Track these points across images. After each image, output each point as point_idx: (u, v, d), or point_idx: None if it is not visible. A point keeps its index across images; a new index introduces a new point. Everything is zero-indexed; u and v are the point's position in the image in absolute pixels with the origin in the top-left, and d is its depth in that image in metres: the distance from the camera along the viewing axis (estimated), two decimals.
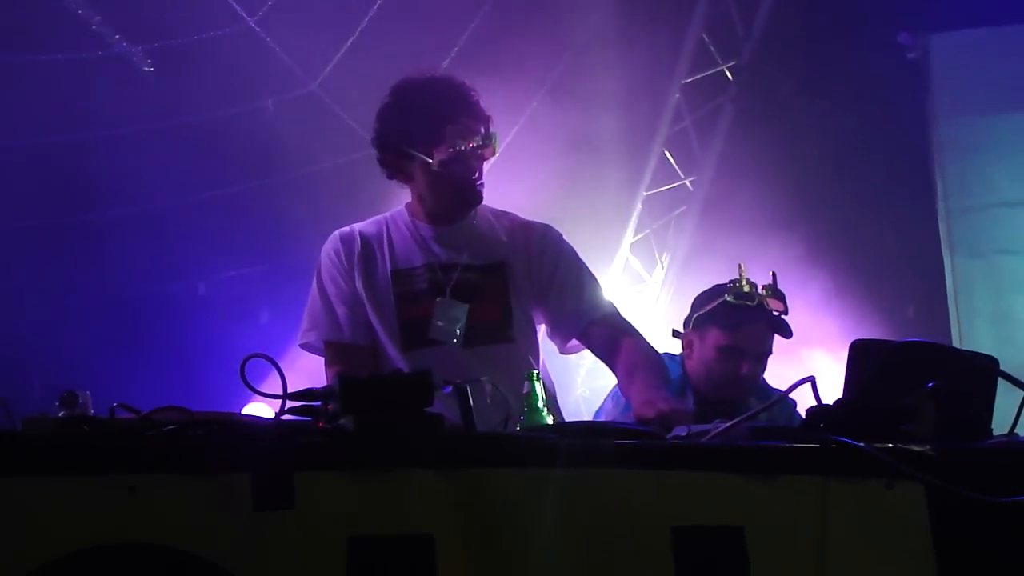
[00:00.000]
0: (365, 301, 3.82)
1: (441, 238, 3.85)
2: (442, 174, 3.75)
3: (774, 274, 4.50)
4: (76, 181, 7.96)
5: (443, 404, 2.66)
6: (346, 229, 3.92)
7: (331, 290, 3.85)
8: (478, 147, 3.75)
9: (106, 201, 8.07)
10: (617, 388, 4.41)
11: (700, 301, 4.64)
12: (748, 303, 4.43)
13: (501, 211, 3.94)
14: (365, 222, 3.95)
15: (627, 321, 3.92)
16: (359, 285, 3.82)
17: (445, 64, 7.92)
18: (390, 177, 3.91)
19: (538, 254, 3.88)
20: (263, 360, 2.59)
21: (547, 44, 7.89)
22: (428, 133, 3.75)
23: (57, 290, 8.02)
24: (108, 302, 8.03)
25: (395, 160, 3.84)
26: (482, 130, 3.76)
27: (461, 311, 3.76)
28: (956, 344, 8.09)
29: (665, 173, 9.58)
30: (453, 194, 3.81)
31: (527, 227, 3.94)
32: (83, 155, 7.91)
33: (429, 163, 3.74)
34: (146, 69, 8.05)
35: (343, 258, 3.85)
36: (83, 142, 7.93)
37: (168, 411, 2.39)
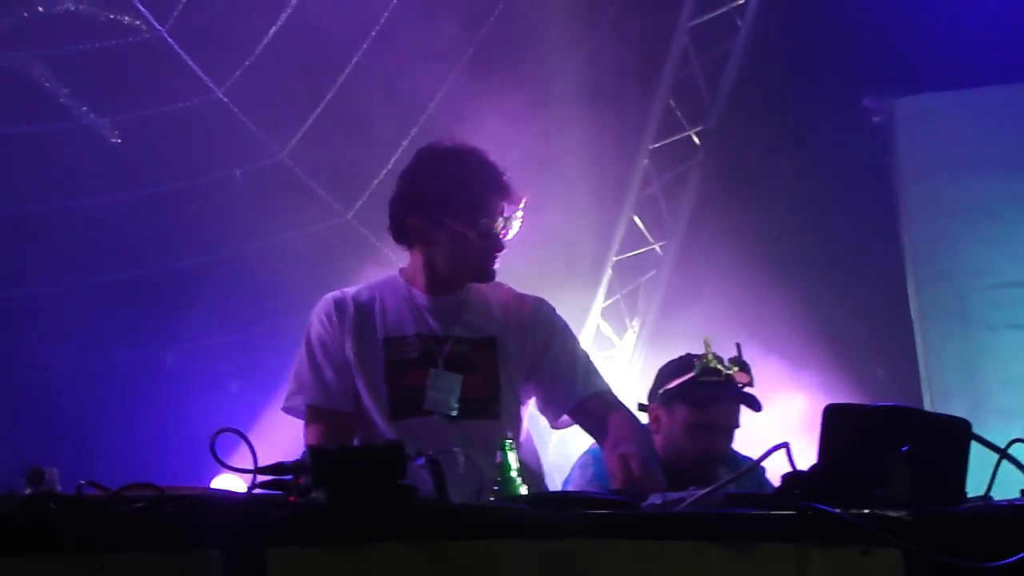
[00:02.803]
0: (354, 367, 3.79)
1: (436, 308, 3.83)
2: (472, 246, 3.73)
3: (739, 345, 4.49)
4: (39, 252, 7.92)
5: (417, 475, 2.64)
6: (338, 293, 3.88)
7: (320, 354, 3.82)
8: (508, 224, 3.75)
9: (71, 272, 8.04)
10: (585, 457, 4.40)
11: (666, 374, 4.61)
12: (716, 379, 4.41)
13: (495, 283, 3.91)
14: (357, 287, 3.92)
15: (618, 399, 3.91)
16: (349, 351, 3.80)
17: (414, 131, 7.96)
18: (398, 240, 3.87)
19: (532, 329, 3.87)
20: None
21: (515, 111, 7.93)
22: (473, 203, 3.72)
23: (20, 363, 7.95)
24: (73, 374, 7.96)
25: (420, 223, 3.78)
26: (514, 209, 3.76)
27: (455, 382, 3.75)
28: (927, 406, 8.10)
29: (634, 238, 9.61)
30: (472, 268, 3.80)
31: (520, 301, 3.93)
32: (49, 226, 7.88)
33: (462, 232, 3.72)
34: (114, 140, 8.03)
35: (335, 323, 3.82)
36: (49, 212, 7.91)
37: (137, 488, 2.36)
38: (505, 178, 3.76)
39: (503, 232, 3.75)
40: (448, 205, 3.73)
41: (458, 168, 3.76)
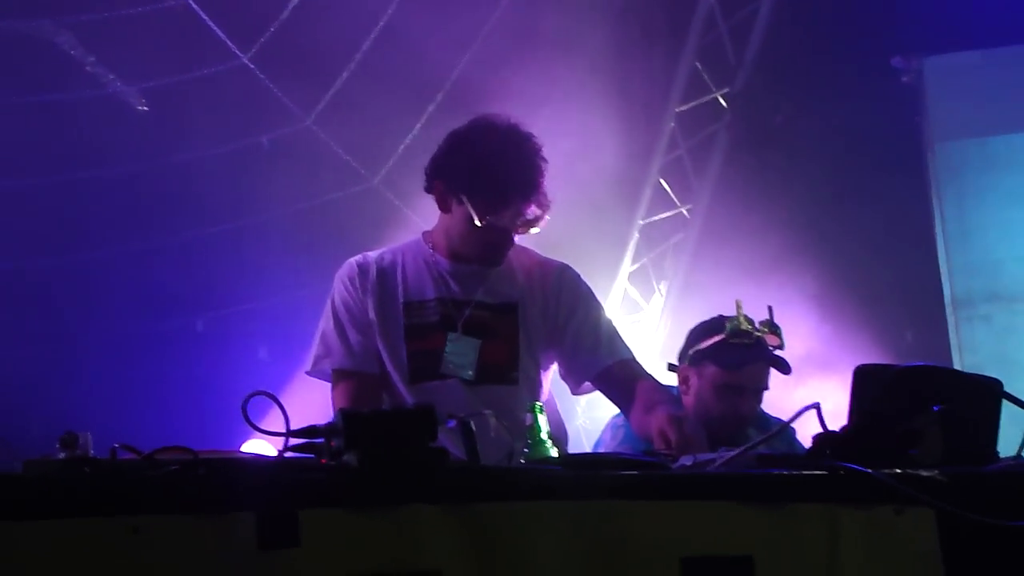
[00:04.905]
0: (376, 330, 3.81)
1: (457, 273, 3.83)
2: (482, 231, 3.71)
3: (771, 308, 4.46)
4: (69, 221, 7.96)
5: (446, 438, 2.64)
6: (360, 257, 3.90)
7: (344, 317, 3.84)
8: (525, 224, 3.72)
9: (102, 240, 8.07)
10: (616, 419, 4.40)
11: (696, 335, 4.59)
12: (747, 341, 4.39)
13: (520, 247, 3.89)
14: (379, 251, 3.94)
15: (643, 367, 3.91)
16: (372, 314, 3.82)
17: (440, 97, 7.94)
18: (428, 191, 3.85)
19: (555, 296, 3.87)
20: (262, 397, 2.57)
21: (541, 75, 7.90)
22: (491, 191, 3.68)
23: (54, 331, 8.00)
24: (105, 341, 8.01)
25: (443, 190, 3.78)
26: (536, 212, 3.71)
27: (473, 347, 3.76)
28: (957, 367, 8.08)
29: (661, 201, 9.59)
30: (480, 250, 3.78)
31: (544, 266, 3.93)
32: (79, 194, 7.91)
33: (473, 215, 3.70)
34: (140, 108, 8.05)
35: (358, 286, 3.84)
36: (78, 181, 7.93)
37: (171, 451, 2.37)
38: (538, 179, 3.69)
39: (518, 228, 3.72)
40: (470, 185, 3.71)
41: (495, 153, 3.70)
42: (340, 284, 3.88)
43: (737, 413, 4.46)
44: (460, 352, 3.76)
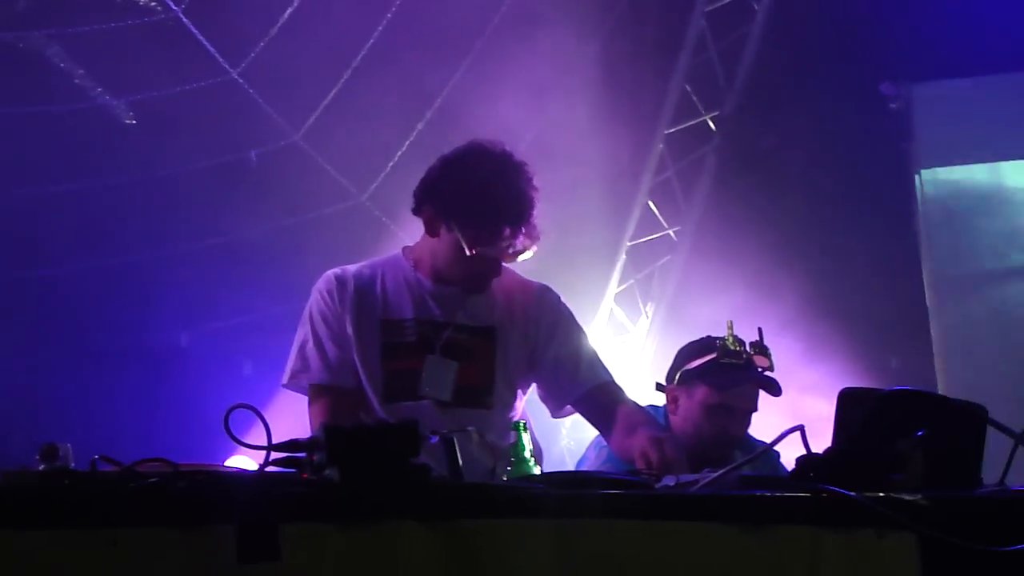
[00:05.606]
0: (353, 346, 3.78)
1: (438, 294, 3.82)
2: (469, 257, 3.70)
3: (760, 330, 4.46)
4: (54, 232, 7.93)
5: (428, 456, 2.63)
6: (339, 270, 3.88)
7: (322, 330, 3.81)
8: (515, 254, 3.72)
9: (85, 252, 8.04)
10: (599, 438, 4.39)
11: (686, 355, 4.59)
12: (737, 362, 4.39)
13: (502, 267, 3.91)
14: (359, 265, 3.91)
15: (623, 391, 3.91)
16: (349, 328, 3.79)
17: (429, 114, 7.94)
18: (415, 213, 3.83)
19: (536, 318, 3.87)
20: (246, 412, 2.55)
21: (530, 94, 7.91)
22: (482, 222, 3.67)
23: (36, 343, 7.97)
24: (89, 354, 7.98)
25: (432, 215, 3.76)
26: (525, 244, 3.71)
27: (451, 369, 3.74)
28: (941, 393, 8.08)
29: (649, 223, 9.60)
30: (466, 276, 3.77)
31: (525, 288, 3.92)
32: (63, 206, 7.88)
33: (464, 244, 3.69)
34: (128, 122, 8.03)
35: (336, 299, 3.82)
36: (63, 194, 7.91)
37: (151, 463, 2.36)
38: (530, 211, 3.68)
39: (506, 257, 3.72)
40: (461, 214, 3.70)
41: (488, 185, 3.69)
42: (318, 296, 3.85)
43: (726, 434, 4.46)
44: (438, 374, 3.75)
